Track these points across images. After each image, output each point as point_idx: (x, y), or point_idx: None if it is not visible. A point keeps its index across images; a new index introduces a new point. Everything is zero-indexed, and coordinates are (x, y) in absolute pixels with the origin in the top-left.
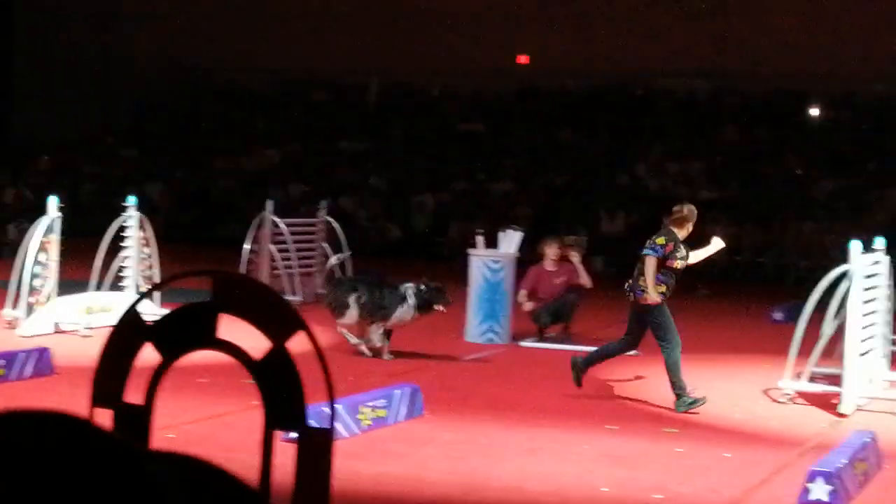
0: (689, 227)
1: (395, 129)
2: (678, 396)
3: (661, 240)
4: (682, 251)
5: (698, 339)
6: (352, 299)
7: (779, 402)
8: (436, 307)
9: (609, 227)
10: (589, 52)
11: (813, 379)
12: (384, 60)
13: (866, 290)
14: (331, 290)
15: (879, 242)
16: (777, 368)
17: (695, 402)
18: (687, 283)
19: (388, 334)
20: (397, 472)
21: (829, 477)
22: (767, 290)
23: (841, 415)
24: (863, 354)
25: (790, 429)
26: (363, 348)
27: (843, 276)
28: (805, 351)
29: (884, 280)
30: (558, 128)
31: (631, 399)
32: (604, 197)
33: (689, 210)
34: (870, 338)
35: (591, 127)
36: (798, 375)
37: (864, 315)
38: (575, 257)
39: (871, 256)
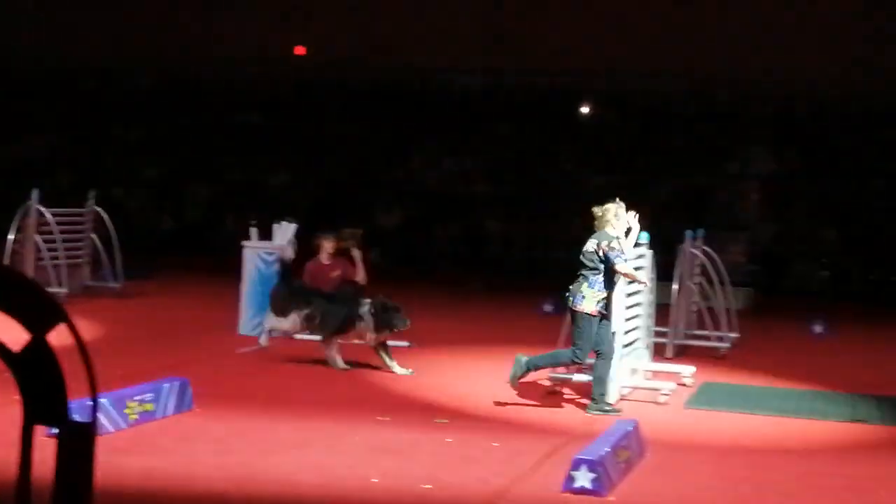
0: (617, 224)
1: (168, 118)
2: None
3: (615, 243)
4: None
5: (470, 332)
6: (295, 312)
7: (547, 393)
8: (394, 327)
9: (385, 220)
10: (367, 46)
11: (580, 370)
12: (157, 48)
13: (630, 283)
14: (282, 290)
15: (643, 237)
16: None
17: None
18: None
19: (384, 347)
20: (165, 466)
21: (592, 465)
22: (539, 283)
23: (608, 404)
24: (626, 346)
25: (557, 418)
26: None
27: None
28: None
29: (648, 274)
30: (335, 120)
31: (402, 391)
32: (380, 191)
33: (608, 209)
34: (633, 329)
35: (369, 120)
36: (566, 367)
37: (628, 308)
38: (356, 252)
39: (634, 251)
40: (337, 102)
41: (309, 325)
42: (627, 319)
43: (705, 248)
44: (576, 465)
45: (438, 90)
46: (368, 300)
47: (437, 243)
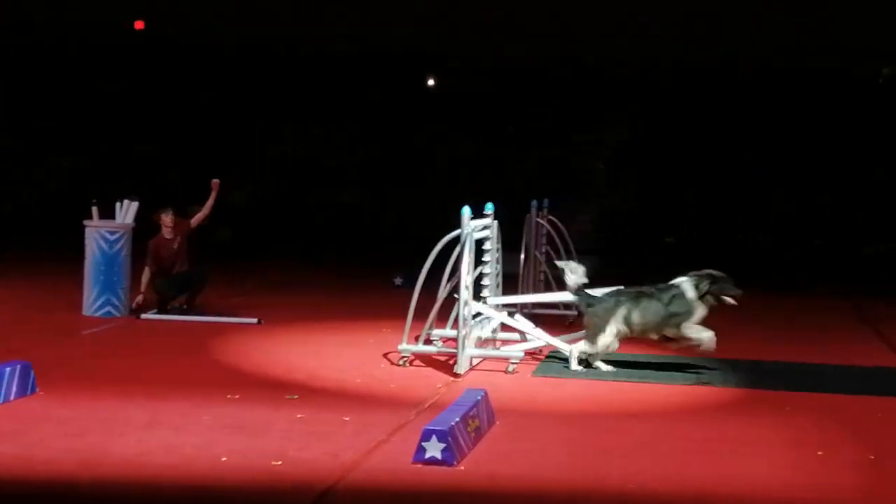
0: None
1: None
2: None
3: None
4: None
5: (321, 307)
6: (615, 319)
7: (398, 366)
8: (724, 299)
9: (238, 196)
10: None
11: (429, 341)
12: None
13: (479, 254)
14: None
15: (488, 208)
16: (397, 333)
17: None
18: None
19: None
20: (8, 451)
21: (442, 435)
22: (396, 255)
23: (456, 375)
24: (476, 316)
25: (408, 391)
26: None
27: (456, 240)
28: (423, 315)
29: (494, 244)
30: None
31: (253, 368)
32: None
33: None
34: (484, 299)
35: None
36: (416, 339)
37: (478, 277)
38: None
39: (481, 221)
40: (195, 71)
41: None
42: (476, 290)
43: (550, 217)
44: (426, 435)
45: (307, 57)
46: (684, 277)
47: (296, 214)
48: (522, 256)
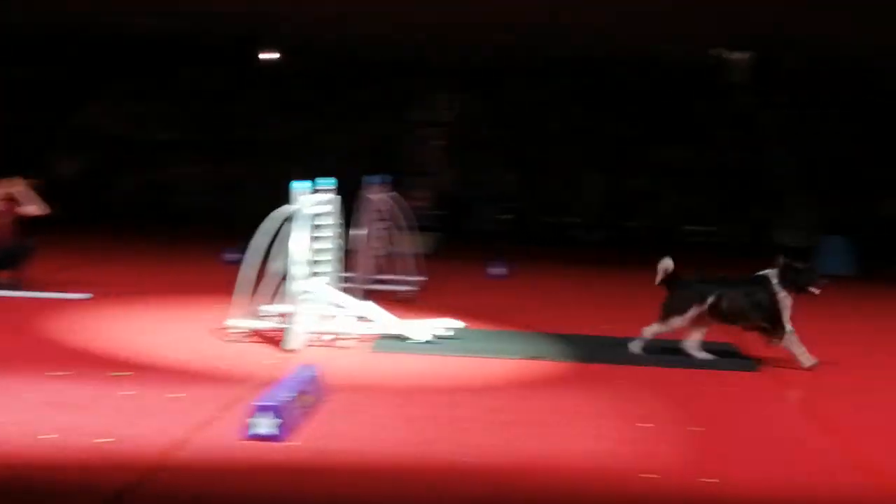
0: None
1: None
2: None
3: None
4: None
5: (151, 283)
6: (697, 304)
7: (229, 342)
8: (810, 289)
9: (63, 168)
10: None
11: (262, 316)
12: None
13: (316, 228)
14: (675, 292)
15: (327, 182)
16: (229, 308)
17: None
18: (142, 228)
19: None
20: None
21: (272, 411)
22: (223, 231)
23: (289, 350)
24: (311, 291)
25: (239, 367)
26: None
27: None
28: (256, 290)
29: (333, 219)
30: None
31: (81, 344)
32: (57, 137)
33: None
34: (318, 274)
35: (44, 64)
36: (249, 314)
37: (313, 253)
38: (20, 191)
39: (318, 197)
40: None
41: (733, 316)
42: (312, 265)
43: (389, 193)
44: (255, 411)
45: (119, 33)
46: (769, 270)
47: (118, 192)
48: (360, 233)
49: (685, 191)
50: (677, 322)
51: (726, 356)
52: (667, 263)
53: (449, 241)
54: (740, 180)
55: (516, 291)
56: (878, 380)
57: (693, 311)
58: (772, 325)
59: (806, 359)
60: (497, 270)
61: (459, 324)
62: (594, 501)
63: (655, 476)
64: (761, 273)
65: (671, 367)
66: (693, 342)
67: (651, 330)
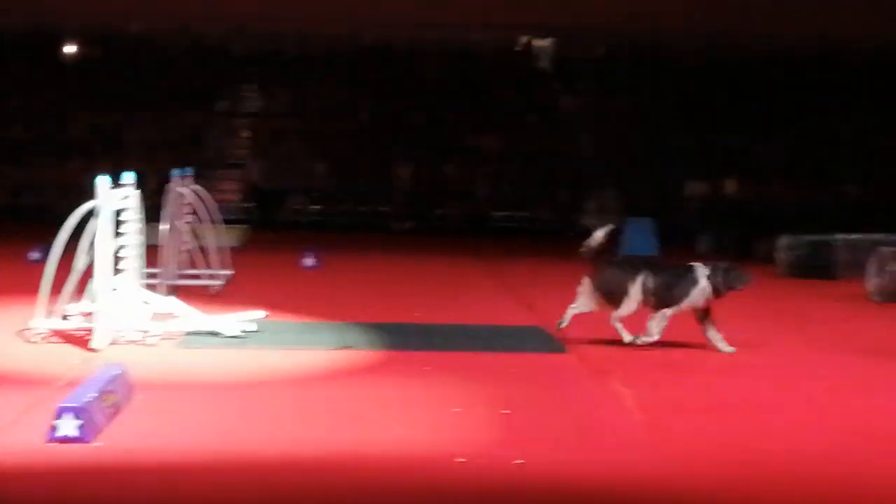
0: None
1: None
2: None
3: None
4: None
5: None
6: (635, 285)
7: (32, 342)
8: (737, 287)
9: None
10: None
11: (66, 316)
12: None
13: (118, 224)
14: (604, 273)
15: (129, 177)
16: (33, 308)
17: None
18: None
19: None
20: None
21: (77, 412)
22: (27, 230)
23: (94, 350)
24: (116, 289)
25: (43, 368)
26: (641, 340)
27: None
28: (60, 289)
29: (134, 214)
30: None
31: None
32: None
33: None
34: (122, 272)
35: None
36: (53, 314)
37: (116, 250)
38: None
39: (120, 191)
40: None
41: (651, 296)
42: (116, 262)
43: (195, 186)
44: (59, 413)
45: None
46: (700, 264)
47: None
48: (165, 227)
49: (495, 178)
50: (631, 307)
51: (534, 339)
52: (599, 236)
53: (260, 234)
54: (547, 166)
55: (328, 282)
56: (683, 357)
57: (637, 293)
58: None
59: (643, 338)
60: (309, 261)
61: (260, 314)
62: (409, 488)
63: (467, 460)
64: (691, 263)
65: (481, 352)
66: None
67: (618, 314)
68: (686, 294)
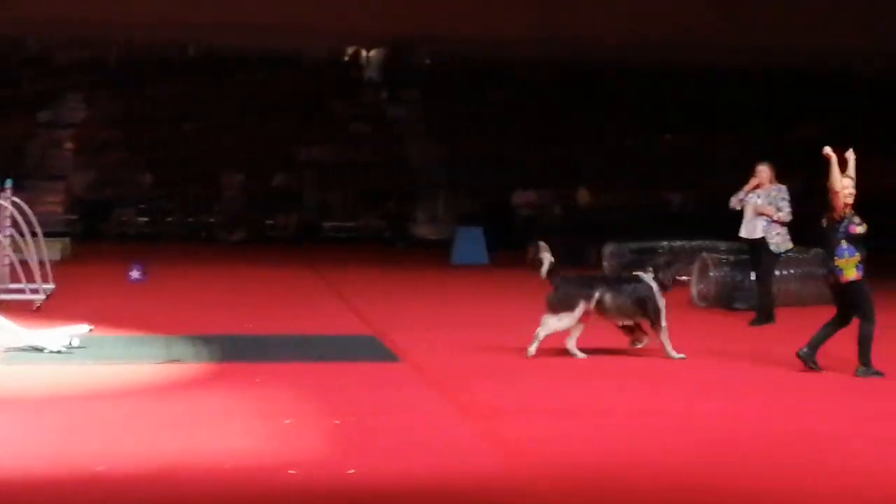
0: None
1: None
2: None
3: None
4: None
5: None
6: (583, 299)
7: None
8: (679, 278)
9: None
10: None
11: None
12: None
13: None
14: (559, 286)
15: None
16: None
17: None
18: None
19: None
20: None
21: None
22: None
23: None
24: None
25: None
26: (674, 356)
27: None
28: None
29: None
30: None
31: None
32: None
33: None
34: None
35: None
36: None
37: None
38: None
39: None
40: None
41: (623, 310)
42: None
43: (14, 199)
44: None
45: None
46: (641, 272)
47: None
48: None
49: (325, 187)
50: (566, 319)
51: (367, 348)
52: (546, 255)
53: (84, 246)
54: (377, 175)
55: (156, 294)
56: (517, 364)
57: (581, 307)
58: (652, 321)
59: (673, 352)
60: (136, 274)
61: (85, 328)
62: (240, 499)
63: (298, 471)
64: (636, 273)
65: (313, 362)
66: (572, 340)
67: (544, 330)
68: (658, 299)
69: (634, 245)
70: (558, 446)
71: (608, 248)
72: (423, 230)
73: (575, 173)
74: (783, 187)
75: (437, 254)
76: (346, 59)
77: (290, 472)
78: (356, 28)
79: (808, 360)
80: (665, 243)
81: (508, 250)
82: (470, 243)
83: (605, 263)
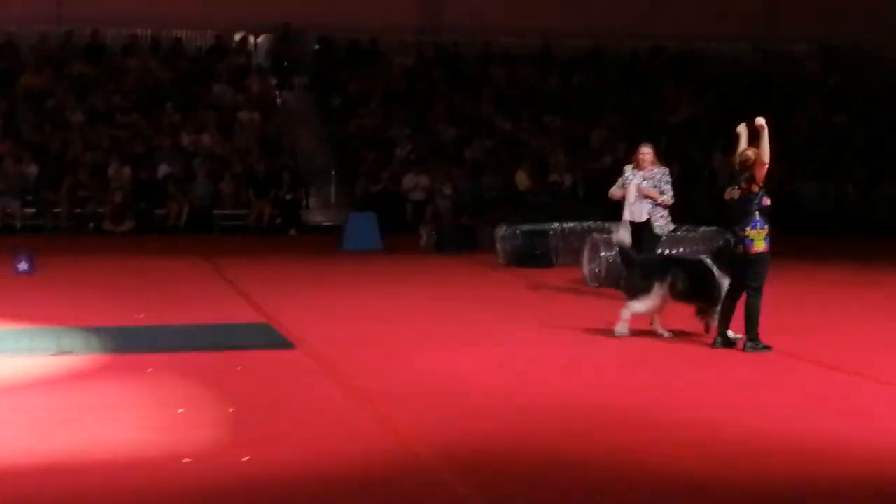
0: None
1: None
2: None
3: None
4: None
5: None
6: (659, 285)
7: None
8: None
9: None
10: None
11: None
12: None
13: None
14: (633, 272)
15: None
16: None
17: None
18: None
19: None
20: None
21: None
22: None
23: None
24: None
25: None
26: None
27: None
28: None
29: None
30: None
31: None
32: None
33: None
34: None
35: None
36: None
37: None
38: None
39: None
40: None
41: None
42: None
43: None
44: None
45: None
46: (702, 256)
47: None
48: None
49: (215, 175)
50: (648, 301)
51: (261, 336)
52: (623, 237)
53: None
54: (269, 162)
55: (44, 286)
56: (410, 346)
57: (657, 290)
58: (711, 304)
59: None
60: (23, 266)
61: None
62: (135, 490)
63: (192, 460)
64: (699, 258)
65: (207, 351)
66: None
67: (628, 311)
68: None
69: (527, 227)
70: (453, 427)
71: (500, 231)
72: (316, 216)
73: (460, 159)
74: (666, 170)
75: (330, 240)
76: (234, 46)
77: (185, 461)
78: (243, 15)
79: (728, 345)
80: (557, 225)
81: (400, 235)
82: (363, 229)
83: (497, 247)
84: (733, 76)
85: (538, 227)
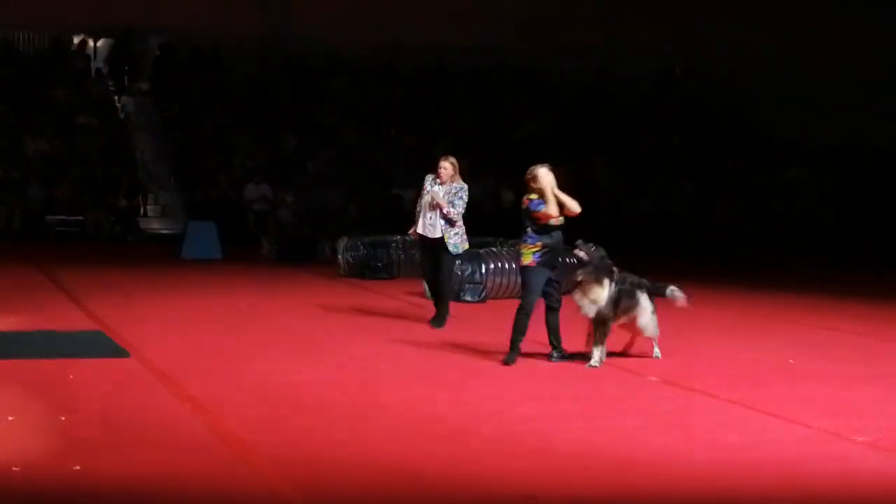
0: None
1: None
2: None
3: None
4: None
5: None
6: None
7: None
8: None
9: None
10: None
11: None
12: None
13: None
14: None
15: None
16: None
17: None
18: None
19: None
20: None
21: None
22: None
23: None
24: None
25: None
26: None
27: None
28: None
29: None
30: None
31: None
32: None
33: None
34: None
35: None
36: None
37: None
38: None
39: None
40: None
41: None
42: None
43: None
44: None
45: None
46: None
47: None
48: None
49: (49, 180)
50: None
51: (95, 344)
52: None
53: None
54: (106, 168)
55: None
56: (246, 356)
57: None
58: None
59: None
60: None
61: None
62: None
63: (22, 469)
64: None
65: (39, 359)
66: None
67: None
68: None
69: (368, 239)
70: (288, 437)
71: (342, 243)
72: (154, 224)
73: (302, 170)
74: (465, 186)
75: (168, 248)
76: (73, 48)
77: (14, 469)
78: (83, 17)
79: (566, 358)
80: (398, 237)
81: (240, 245)
82: (202, 237)
83: (339, 258)
84: (574, 93)
85: (380, 238)
